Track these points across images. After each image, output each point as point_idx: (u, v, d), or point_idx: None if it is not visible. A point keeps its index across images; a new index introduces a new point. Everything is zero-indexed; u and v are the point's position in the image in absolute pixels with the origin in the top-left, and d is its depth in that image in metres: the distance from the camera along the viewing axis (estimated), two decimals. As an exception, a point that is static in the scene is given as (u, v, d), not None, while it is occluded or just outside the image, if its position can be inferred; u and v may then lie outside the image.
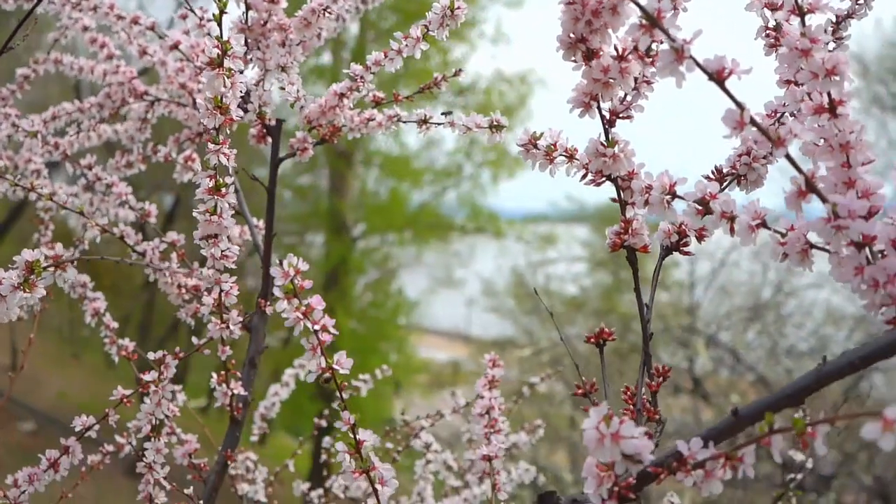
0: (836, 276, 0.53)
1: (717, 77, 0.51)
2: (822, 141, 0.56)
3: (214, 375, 0.97)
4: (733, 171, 0.70)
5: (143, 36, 1.13)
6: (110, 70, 1.22)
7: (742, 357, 6.17)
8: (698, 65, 0.51)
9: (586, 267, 11.17)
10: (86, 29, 1.20)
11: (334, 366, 0.64)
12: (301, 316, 0.63)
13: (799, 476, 1.10)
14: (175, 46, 1.06)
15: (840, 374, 0.50)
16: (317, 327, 0.63)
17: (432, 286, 12.64)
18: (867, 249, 0.53)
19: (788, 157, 0.52)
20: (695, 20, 0.53)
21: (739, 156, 0.70)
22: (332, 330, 0.64)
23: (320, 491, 1.34)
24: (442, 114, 0.95)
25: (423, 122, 0.97)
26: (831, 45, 0.73)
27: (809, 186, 0.53)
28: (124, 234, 1.01)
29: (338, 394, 0.65)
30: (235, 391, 0.98)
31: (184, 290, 1.03)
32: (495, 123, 0.85)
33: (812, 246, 0.55)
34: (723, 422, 0.53)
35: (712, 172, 0.70)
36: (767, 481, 6.27)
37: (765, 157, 0.68)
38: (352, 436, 0.66)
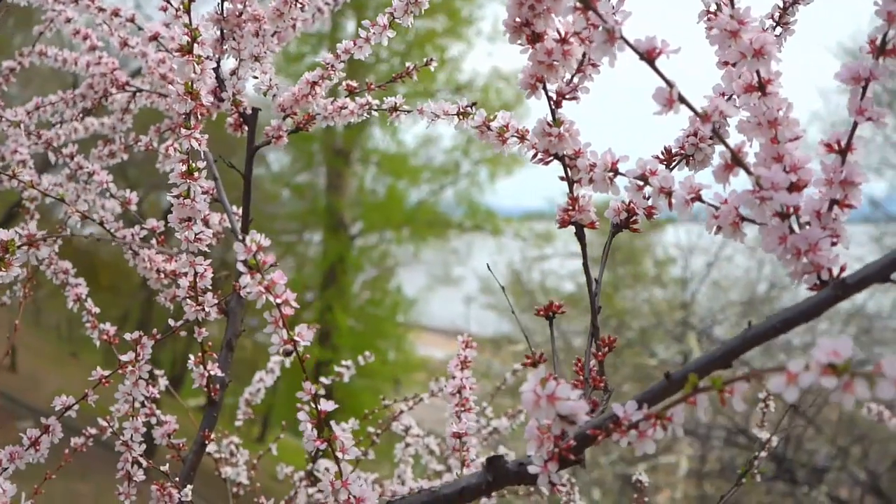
0: (763, 247, 0.56)
1: (648, 57, 0.54)
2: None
3: (192, 358, 1.00)
4: (681, 151, 0.73)
5: (123, 28, 1.16)
6: (93, 61, 1.24)
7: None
8: (629, 45, 0.54)
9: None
10: (69, 21, 1.23)
11: (296, 338, 0.67)
12: (263, 290, 0.65)
13: (763, 454, 1.13)
14: (154, 38, 1.09)
15: (765, 337, 0.53)
16: (279, 301, 0.66)
17: (430, 284, 12.67)
18: (792, 220, 0.56)
19: (715, 132, 0.54)
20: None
21: (687, 136, 0.72)
22: (294, 304, 0.66)
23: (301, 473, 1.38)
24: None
25: (394, 109, 0.99)
26: (778, 31, 0.76)
27: (735, 160, 0.55)
28: (103, 220, 1.03)
29: (301, 366, 0.68)
30: (212, 373, 1.00)
31: (162, 275, 1.05)
32: (462, 111, 0.88)
33: (743, 218, 0.58)
34: (656, 385, 0.56)
35: (661, 153, 0.73)
36: (761, 476, 6.31)
37: (711, 138, 0.71)
38: (313, 406, 0.69)
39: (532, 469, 0.58)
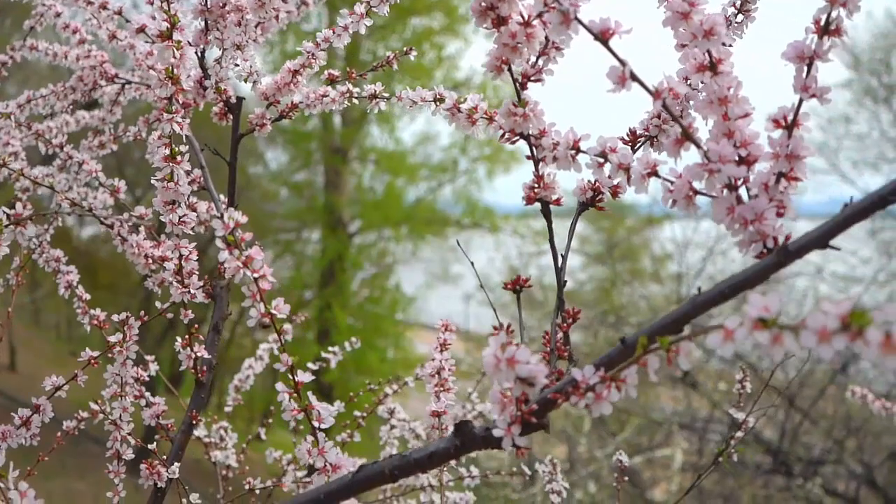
0: (713, 217, 0.59)
1: (602, 37, 0.57)
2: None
3: (179, 340, 1.03)
4: (646, 132, 0.75)
5: (111, 21, 1.18)
6: (82, 54, 1.27)
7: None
8: (584, 25, 0.56)
9: (581, 260, 11.22)
10: (58, 15, 1.26)
11: (273, 311, 0.69)
12: (241, 265, 0.68)
13: (740, 434, 1.16)
14: (141, 30, 1.11)
15: (714, 303, 0.56)
16: (256, 275, 0.68)
17: (429, 281, 12.69)
18: (742, 192, 0.58)
19: (665, 107, 0.57)
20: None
21: (651, 118, 0.75)
22: (271, 278, 0.69)
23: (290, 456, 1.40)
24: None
25: (374, 96, 1.02)
26: (739, 18, 0.79)
27: (685, 135, 0.58)
28: (92, 207, 1.06)
29: (277, 336, 0.71)
30: (199, 354, 1.03)
31: (150, 261, 1.08)
32: (438, 97, 0.90)
33: (696, 192, 0.61)
34: (613, 350, 0.59)
35: (626, 134, 0.76)
36: (757, 470, 6.34)
37: (672, 120, 0.73)
38: (291, 377, 0.71)
39: (496, 433, 0.61)
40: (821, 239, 0.53)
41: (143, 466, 1.01)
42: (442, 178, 12.72)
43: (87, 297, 1.18)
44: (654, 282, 9.56)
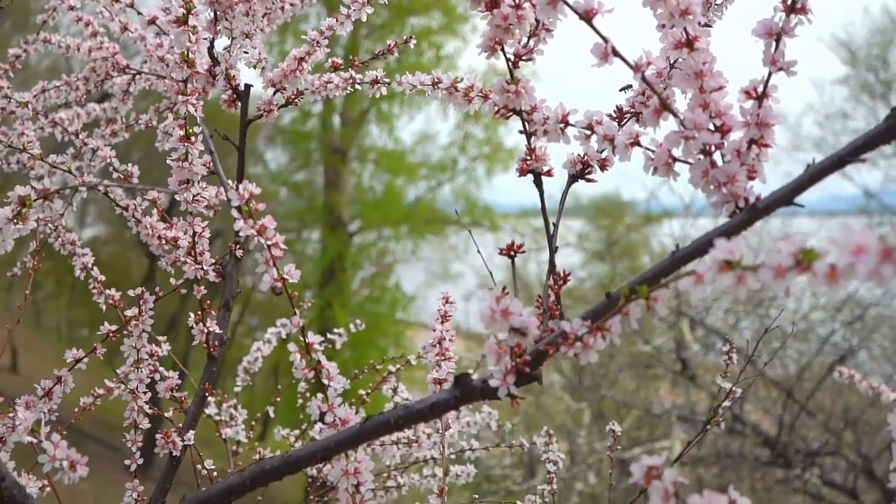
0: (691, 181, 0.64)
1: (586, 16, 0.62)
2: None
3: (192, 315, 1.08)
4: (632, 108, 0.80)
5: (123, 13, 1.24)
6: (95, 46, 1.32)
7: (729, 339, 6.28)
8: (569, 6, 0.61)
9: (581, 258, 11.27)
10: (72, 8, 1.31)
11: (285, 275, 0.75)
12: (255, 233, 0.73)
13: (727, 403, 1.21)
14: (152, 21, 1.17)
15: (690, 258, 0.61)
16: (269, 243, 0.74)
17: (429, 280, 12.73)
18: (717, 157, 0.64)
19: (644, 79, 0.62)
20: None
21: (636, 95, 0.80)
22: (282, 245, 0.74)
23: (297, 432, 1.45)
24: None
25: (375, 82, 1.07)
26: (718, 1, 0.84)
27: (663, 105, 0.63)
28: (109, 191, 1.11)
29: (290, 302, 0.76)
30: (211, 329, 1.08)
31: (163, 242, 1.13)
32: (436, 80, 0.95)
33: (674, 159, 0.66)
34: (599, 304, 0.64)
35: (613, 111, 0.81)
36: (756, 462, 6.40)
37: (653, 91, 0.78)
38: (302, 339, 0.77)
39: (493, 383, 0.66)
40: (787, 197, 0.58)
41: (158, 436, 1.06)
42: (441, 176, 12.76)
43: (102, 277, 1.24)
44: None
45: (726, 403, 1.17)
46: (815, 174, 0.57)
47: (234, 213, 0.73)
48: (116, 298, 1.18)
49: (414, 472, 1.38)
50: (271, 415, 1.56)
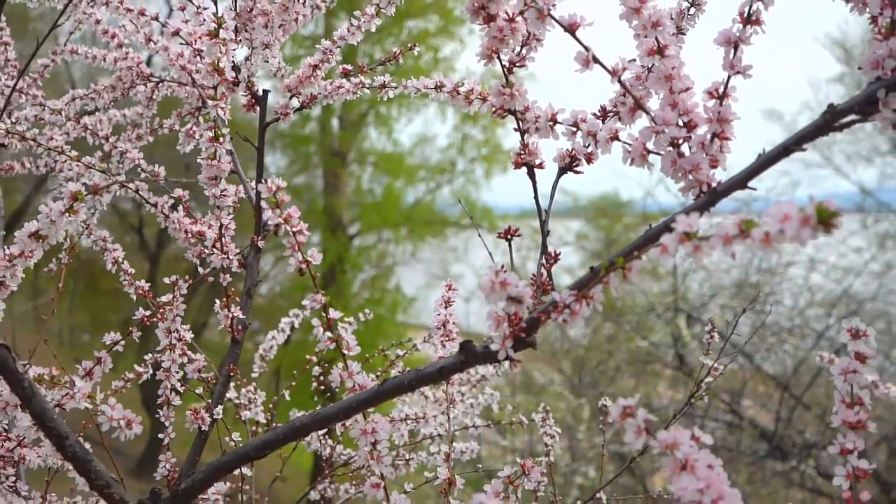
0: (662, 169, 0.74)
1: (570, 29, 0.72)
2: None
3: (217, 302, 1.18)
4: (614, 108, 0.90)
5: (148, 26, 1.34)
6: (120, 57, 1.42)
7: (725, 334, 6.38)
8: (555, 20, 0.72)
9: (580, 258, 11.36)
10: (98, 22, 1.41)
11: (308, 258, 0.85)
12: (282, 221, 0.83)
13: (709, 380, 1.31)
14: (176, 33, 1.27)
15: (660, 234, 0.71)
16: (295, 229, 0.84)
17: (429, 282, 12.82)
18: (685, 149, 0.74)
19: (620, 83, 0.72)
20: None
21: (618, 97, 0.90)
22: (306, 232, 0.85)
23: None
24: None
25: (383, 86, 1.17)
26: (692, 10, 0.94)
27: (637, 104, 0.74)
28: (139, 188, 1.21)
29: (312, 283, 0.86)
30: (235, 315, 1.18)
31: (189, 235, 1.23)
32: (439, 84, 1.06)
33: (648, 151, 0.76)
34: (584, 276, 0.74)
35: (598, 110, 0.91)
36: (753, 455, 6.49)
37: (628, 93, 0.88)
38: (324, 315, 0.87)
39: (493, 347, 0.76)
40: (742, 181, 0.69)
41: (188, 413, 1.16)
42: (440, 178, 12.87)
43: (132, 270, 1.34)
44: (652, 277, 9.69)
45: (708, 379, 1.27)
46: (765, 161, 0.68)
47: (263, 203, 0.83)
48: (146, 289, 1.28)
49: (422, 450, 1.48)
50: (287, 398, 1.66)
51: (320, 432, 1.57)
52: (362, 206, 12.46)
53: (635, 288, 9.26)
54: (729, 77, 0.74)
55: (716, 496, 0.59)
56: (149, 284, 1.27)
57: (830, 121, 0.66)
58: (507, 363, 0.78)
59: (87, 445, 0.91)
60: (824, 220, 0.49)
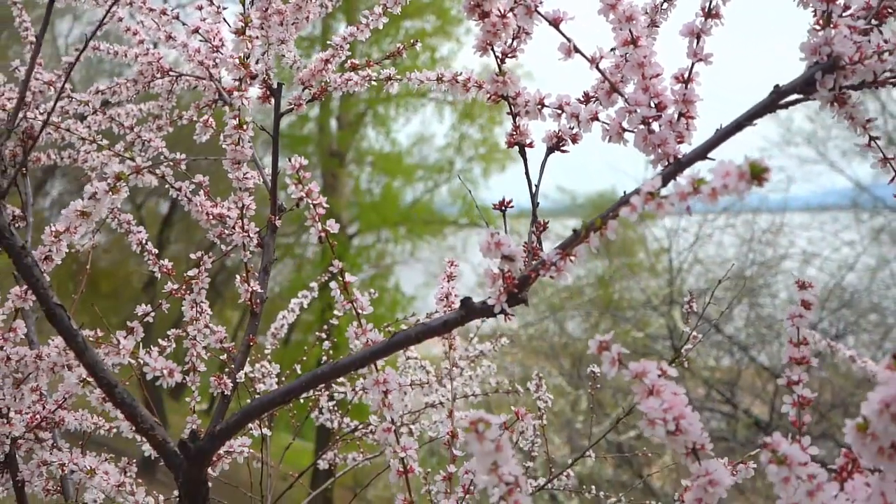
0: (634, 144, 0.85)
1: (554, 23, 0.83)
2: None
3: (238, 277, 1.29)
4: (595, 93, 1.01)
5: (170, 24, 1.45)
6: (141, 53, 1.53)
7: (721, 327, 6.51)
8: (541, 15, 0.83)
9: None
10: (121, 20, 1.52)
11: (327, 227, 0.96)
12: (304, 195, 0.94)
13: (689, 346, 1.42)
14: (196, 31, 1.38)
15: (624, 202, 0.82)
16: (315, 202, 0.95)
17: (428, 281, 12.91)
18: (655, 126, 0.85)
19: (598, 69, 0.83)
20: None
21: (598, 83, 1.01)
22: (325, 205, 0.96)
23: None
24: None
25: (388, 79, 1.29)
26: (665, 5, 1.05)
27: (612, 88, 0.85)
28: (165, 174, 1.32)
29: (331, 249, 0.97)
30: (254, 289, 1.29)
31: (210, 217, 1.34)
32: (440, 76, 1.17)
33: (623, 129, 0.87)
34: (567, 238, 0.85)
35: (582, 95, 1.02)
36: (751, 445, 6.62)
37: (621, 82, 0.99)
38: (341, 279, 0.98)
39: (490, 301, 0.87)
40: (701, 153, 0.80)
41: (212, 379, 1.27)
42: (438, 178, 12.96)
43: (156, 251, 1.45)
44: (651, 275, 9.83)
45: (688, 346, 1.38)
46: (721, 135, 0.79)
47: (288, 180, 0.94)
48: (169, 267, 1.39)
49: (425, 419, 1.59)
50: (299, 372, 1.77)
51: (331, 404, 1.68)
52: (361, 205, 12.55)
53: (634, 285, 9.39)
54: (693, 64, 0.85)
55: (677, 414, 0.70)
56: (171, 263, 1.38)
57: (776, 99, 0.77)
58: (503, 342, 0.89)
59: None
60: (756, 174, 0.60)
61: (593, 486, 1.72)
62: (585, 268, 11.32)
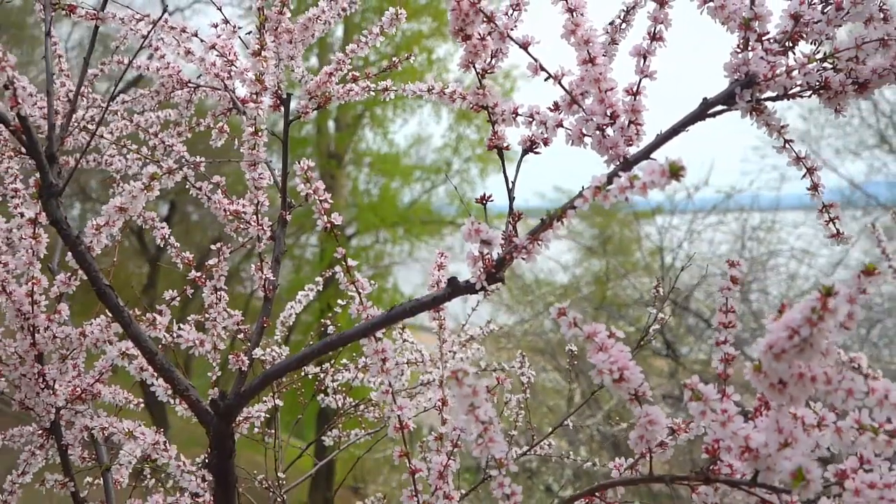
0: (592, 147, 1.01)
1: (523, 46, 0.99)
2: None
3: (252, 266, 1.46)
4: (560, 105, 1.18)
5: (189, 41, 1.61)
6: (162, 66, 1.69)
7: (703, 314, 6.68)
8: (512, 39, 0.99)
9: (576, 255, 11.63)
10: (144, 37, 1.68)
11: (332, 220, 1.12)
12: (312, 192, 1.11)
13: (655, 326, 1.57)
14: (212, 47, 1.54)
15: (606, 184, 0.98)
16: (321, 198, 1.11)
17: (426, 281, 13.01)
18: (609, 132, 1.01)
19: (560, 84, 1.00)
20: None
21: (563, 95, 1.18)
22: (329, 200, 1.12)
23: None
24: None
25: (386, 89, 1.45)
26: (623, 25, 1.21)
27: (573, 100, 1.01)
28: (186, 175, 1.48)
29: (335, 239, 1.13)
30: (267, 276, 1.46)
31: (227, 213, 1.50)
32: (430, 87, 1.33)
33: (583, 134, 1.03)
34: (537, 225, 1.01)
35: (552, 104, 1.18)
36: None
37: (582, 95, 1.16)
38: (345, 263, 1.14)
39: (472, 280, 1.03)
40: (645, 154, 0.96)
41: (231, 357, 1.44)
42: (436, 178, 13.12)
43: (178, 244, 1.61)
44: (644, 273, 9.99)
45: (655, 327, 1.54)
46: (660, 140, 0.95)
47: (298, 178, 1.10)
48: (190, 259, 1.55)
49: (420, 396, 1.75)
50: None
51: (336, 384, 1.84)
52: (359, 206, 12.70)
53: (629, 283, 9.56)
54: (640, 80, 1.01)
55: (621, 366, 0.86)
56: (191, 255, 1.54)
57: (705, 109, 0.94)
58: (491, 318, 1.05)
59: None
60: (674, 172, 0.76)
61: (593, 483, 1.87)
62: (583, 267, 11.50)
